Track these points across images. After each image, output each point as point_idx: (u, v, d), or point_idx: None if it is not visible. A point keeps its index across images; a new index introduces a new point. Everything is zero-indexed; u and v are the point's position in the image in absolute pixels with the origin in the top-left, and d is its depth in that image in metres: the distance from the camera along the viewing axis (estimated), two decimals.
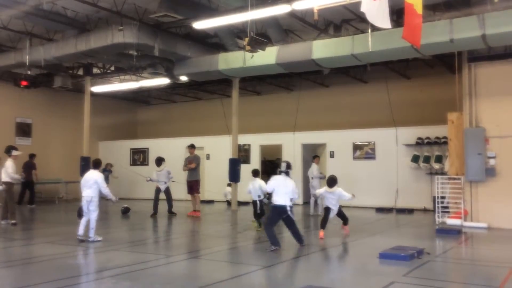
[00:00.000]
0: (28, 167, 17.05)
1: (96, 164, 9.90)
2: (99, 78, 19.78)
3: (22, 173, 13.20)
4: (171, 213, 14.61)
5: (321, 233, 9.93)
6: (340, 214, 10.46)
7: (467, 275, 7.27)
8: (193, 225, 12.82)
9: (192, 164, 14.37)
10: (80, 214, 9.77)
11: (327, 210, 10.30)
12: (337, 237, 10.08)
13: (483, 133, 12.03)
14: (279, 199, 8.51)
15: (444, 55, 14.00)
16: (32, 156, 17.80)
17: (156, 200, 14.60)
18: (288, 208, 8.46)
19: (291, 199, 8.62)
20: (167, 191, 14.71)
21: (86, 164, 18.82)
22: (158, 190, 14.72)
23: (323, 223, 10.10)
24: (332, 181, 10.28)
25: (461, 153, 12.31)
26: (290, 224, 8.72)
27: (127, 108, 25.31)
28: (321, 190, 10.73)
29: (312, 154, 19.48)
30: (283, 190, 8.52)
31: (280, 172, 8.80)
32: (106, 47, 13.22)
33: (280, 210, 8.49)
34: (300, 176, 18.86)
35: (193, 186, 14.37)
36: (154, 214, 14.28)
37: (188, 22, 12.51)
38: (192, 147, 14.92)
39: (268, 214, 8.70)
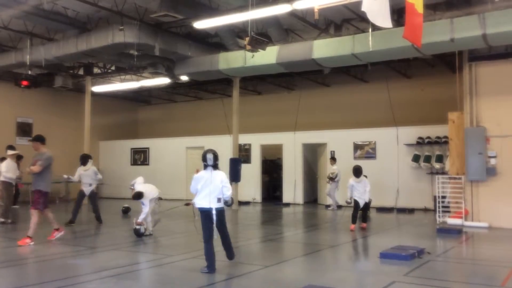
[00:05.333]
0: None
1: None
2: (100, 78, 19.79)
3: (21, 173, 13.13)
4: (98, 221, 12.27)
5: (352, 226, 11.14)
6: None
7: (468, 275, 7.27)
8: (191, 224, 12.78)
9: (36, 167, 8.95)
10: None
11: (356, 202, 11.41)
12: (337, 236, 10.07)
13: (484, 133, 12.02)
14: (202, 202, 6.78)
15: (445, 55, 13.99)
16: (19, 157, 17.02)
17: (78, 205, 12.13)
18: (214, 212, 6.72)
19: (222, 200, 6.81)
20: (93, 195, 12.47)
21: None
22: (81, 194, 12.32)
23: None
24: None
25: (462, 153, 12.30)
26: (224, 235, 7.07)
27: (128, 107, 25.31)
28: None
29: (313, 153, 19.54)
30: (208, 189, 6.72)
31: (206, 166, 6.83)
32: (107, 46, 13.23)
33: (206, 215, 6.78)
34: (301, 176, 18.90)
35: (39, 198, 9.11)
36: (71, 223, 11.73)
37: (189, 22, 12.51)
38: (36, 139, 9.26)
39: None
